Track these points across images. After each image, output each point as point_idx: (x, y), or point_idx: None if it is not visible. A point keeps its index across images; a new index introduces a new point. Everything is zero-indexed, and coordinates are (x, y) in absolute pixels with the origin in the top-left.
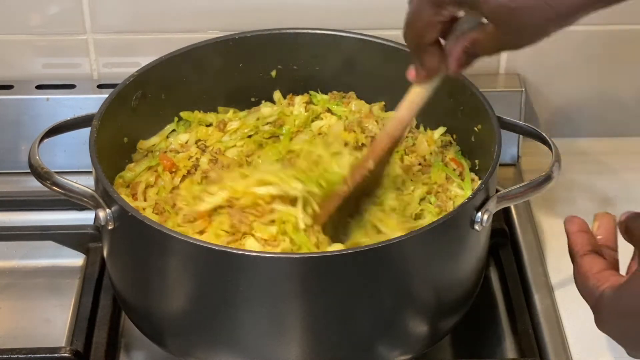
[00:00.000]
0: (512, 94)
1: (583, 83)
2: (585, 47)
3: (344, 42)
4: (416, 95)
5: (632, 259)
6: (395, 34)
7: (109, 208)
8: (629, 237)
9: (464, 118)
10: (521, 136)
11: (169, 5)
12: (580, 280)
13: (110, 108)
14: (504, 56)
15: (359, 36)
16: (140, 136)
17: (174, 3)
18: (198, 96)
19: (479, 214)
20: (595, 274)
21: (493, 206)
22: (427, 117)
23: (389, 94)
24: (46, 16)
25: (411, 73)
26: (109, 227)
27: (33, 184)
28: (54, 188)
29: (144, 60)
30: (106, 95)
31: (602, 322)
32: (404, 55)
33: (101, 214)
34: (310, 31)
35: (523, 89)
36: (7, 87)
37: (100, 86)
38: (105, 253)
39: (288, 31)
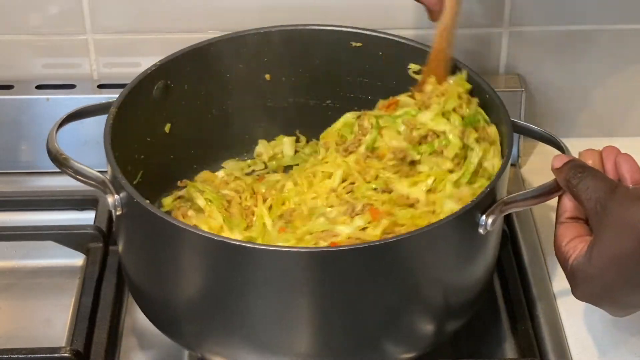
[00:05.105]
0: (512, 94)
1: (583, 83)
2: (585, 46)
3: (351, 39)
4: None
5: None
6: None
7: (118, 194)
8: (570, 193)
9: None
10: (521, 136)
11: (169, 5)
12: (556, 251)
13: (130, 96)
14: (504, 56)
15: (365, 32)
16: (159, 127)
17: (174, 3)
18: (221, 90)
19: (484, 217)
20: (565, 246)
21: (499, 210)
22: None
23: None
24: (46, 16)
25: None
26: (117, 213)
27: (33, 184)
28: (71, 173)
29: (144, 60)
30: (106, 96)
31: (576, 291)
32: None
33: (110, 199)
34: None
35: (523, 89)
36: (7, 87)
37: (100, 86)
38: (117, 238)
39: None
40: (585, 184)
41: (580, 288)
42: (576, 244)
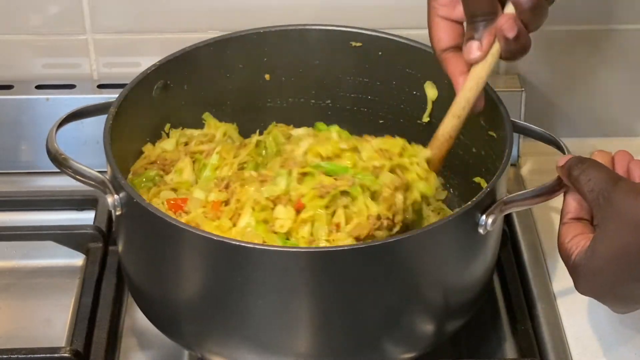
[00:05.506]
0: (512, 94)
1: (582, 83)
2: (585, 47)
3: (351, 39)
4: (481, 71)
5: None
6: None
7: (117, 194)
8: (572, 185)
9: (477, 119)
10: (521, 136)
11: (169, 5)
12: (559, 249)
13: (129, 96)
14: None
15: (365, 32)
16: (159, 127)
17: (174, 3)
18: (221, 90)
19: (484, 217)
20: (567, 243)
21: (499, 210)
22: (439, 118)
23: (404, 97)
24: (46, 16)
25: (471, 51)
26: (117, 213)
27: (33, 184)
28: (71, 173)
29: (144, 60)
30: (106, 96)
31: (579, 285)
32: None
33: (109, 199)
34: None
35: (523, 89)
36: (7, 87)
37: (100, 86)
38: (117, 238)
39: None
40: (587, 175)
41: (582, 282)
42: (579, 241)
